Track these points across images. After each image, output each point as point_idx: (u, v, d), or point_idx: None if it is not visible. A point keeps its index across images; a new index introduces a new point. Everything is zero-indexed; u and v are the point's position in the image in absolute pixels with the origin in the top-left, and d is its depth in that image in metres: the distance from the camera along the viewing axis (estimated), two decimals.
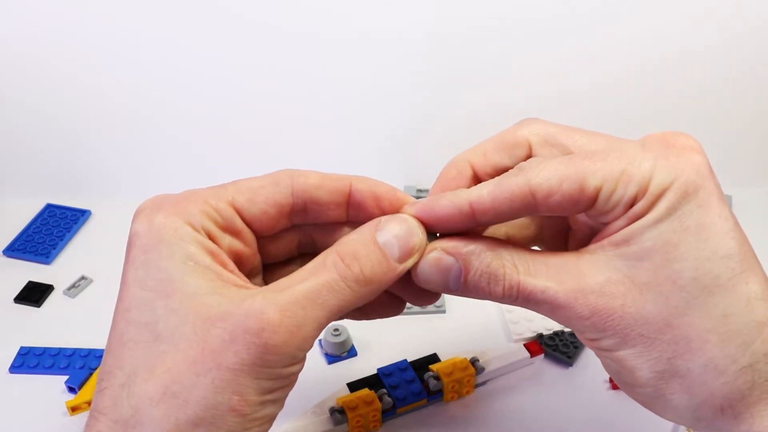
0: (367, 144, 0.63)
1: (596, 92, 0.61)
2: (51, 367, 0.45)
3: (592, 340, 0.28)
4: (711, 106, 0.62)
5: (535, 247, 0.33)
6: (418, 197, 0.60)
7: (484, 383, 0.44)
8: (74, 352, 0.46)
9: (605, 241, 0.28)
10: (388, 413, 0.42)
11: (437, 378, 0.42)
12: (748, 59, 0.60)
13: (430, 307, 0.49)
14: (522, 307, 0.29)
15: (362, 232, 0.29)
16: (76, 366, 0.45)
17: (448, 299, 0.50)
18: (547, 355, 0.46)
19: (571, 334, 0.46)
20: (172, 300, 0.26)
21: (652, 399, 0.28)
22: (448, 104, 0.60)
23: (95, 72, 0.58)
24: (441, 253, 0.29)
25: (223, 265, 0.28)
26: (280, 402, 0.27)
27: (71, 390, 0.44)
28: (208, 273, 0.27)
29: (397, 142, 0.62)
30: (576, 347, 0.46)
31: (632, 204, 0.27)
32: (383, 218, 0.29)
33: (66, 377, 0.44)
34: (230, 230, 0.29)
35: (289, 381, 0.27)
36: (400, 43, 0.58)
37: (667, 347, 0.27)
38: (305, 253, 0.33)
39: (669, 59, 0.59)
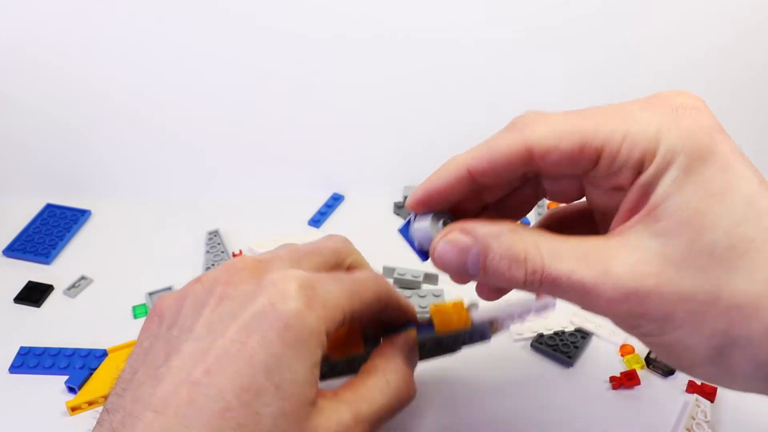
0: (367, 144, 0.62)
1: (596, 92, 0.61)
2: (51, 367, 0.45)
3: (634, 327, 0.27)
4: (711, 104, 0.62)
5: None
6: None
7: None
8: (74, 352, 0.46)
9: (632, 221, 0.26)
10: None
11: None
12: (747, 57, 0.60)
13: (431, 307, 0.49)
14: (547, 294, 0.28)
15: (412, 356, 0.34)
16: (76, 366, 0.45)
17: (448, 300, 0.50)
18: (547, 355, 0.46)
19: (572, 334, 0.46)
20: (287, 403, 0.26)
21: (716, 375, 0.26)
22: (447, 105, 0.60)
23: (95, 72, 0.58)
24: (458, 234, 0.28)
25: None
26: None
27: (71, 390, 0.44)
28: (316, 380, 0.28)
29: (397, 143, 0.62)
30: (576, 347, 0.46)
31: (640, 168, 0.26)
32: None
33: (66, 377, 0.44)
34: None
35: None
36: (400, 45, 0.58)
37: (720, 319, 0.25)
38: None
39: (668, 59, 0.59)
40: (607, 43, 0.59)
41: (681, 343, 0.26)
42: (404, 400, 0.32)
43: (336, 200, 0.61)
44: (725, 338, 0.25)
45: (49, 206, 0.60)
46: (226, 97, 0.60)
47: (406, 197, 0.60)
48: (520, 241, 0.27)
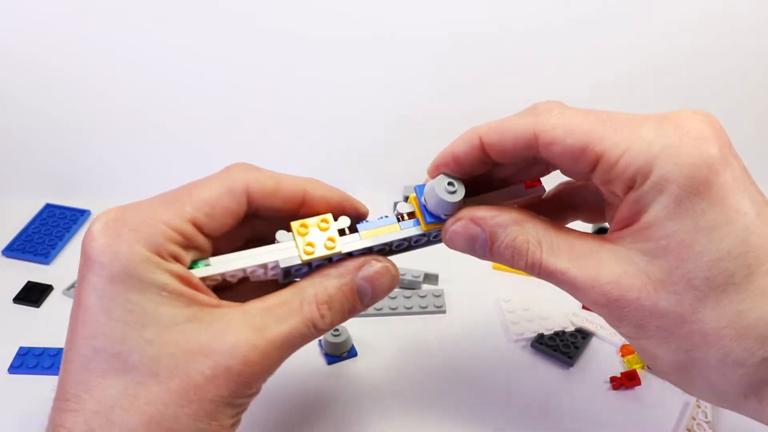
0: (366, 144, 0.62)
1: (597, 94, 0.61)
2: (50, 367, 0.45)
3: (614, 326, 0.29)
4: (712, 105, 0.62)
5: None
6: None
7: None
8: None
9: (625, 232, 0.28)
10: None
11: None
12: (749, 58, 0.60)
13: (431, 307, 0.49)
14: (544, 280, 0.30)
15: (344, 276, 0.30)
16: None
17: (448, 300, 0.50)
18: (548, 355, 0.45)
19: (572, 335, 0.46)
20: (147, 331, 0.26)
21: (677, 382, 0.29)
22: (446, 105, 0.60)
23: (95, 72, 0.58)
24: (469, 223, 0.30)
25: (195, 288, 0.28)
26: (241, 417, 0.29)
27: None
28: (182, 299, 0.27)
29: (396, 142, 0.62)
30: (576, 347, 0.46)
31: (632, 184, 0.27)
32: (367, 264, 0.30)
33: None
34: (192, 247, 0.29)
35: (251, 401, 0.29)
36: (398, 45, 0.58)
37: (684, 341, 0.27)
38: (253, 239, 0.33)
39: (673, 59, 0.59)
40: (615, 42, 0.59)
41: (650, 350, 0.29)
42: (310, 336, 0.29)
43: None
44: (686, 356, 0.27)
45: (48, 206, 0.59)
46: (225, 97, 0.60)
47: (406, 197, 0.60)
48: (524, 233, 0.30)
